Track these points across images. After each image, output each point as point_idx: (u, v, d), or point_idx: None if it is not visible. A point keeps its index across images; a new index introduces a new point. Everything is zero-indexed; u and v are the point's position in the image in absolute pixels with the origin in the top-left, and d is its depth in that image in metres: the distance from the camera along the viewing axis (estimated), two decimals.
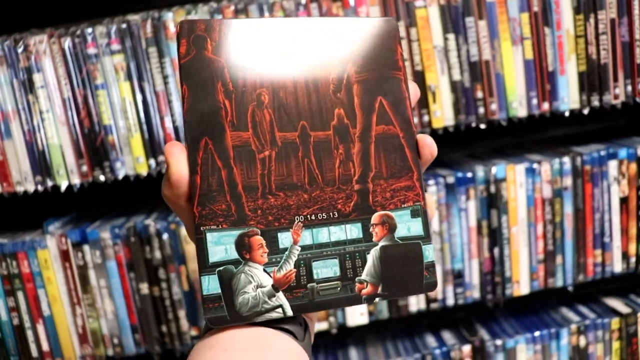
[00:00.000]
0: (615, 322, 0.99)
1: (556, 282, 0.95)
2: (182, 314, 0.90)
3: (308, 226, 0.35)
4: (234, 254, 0.33)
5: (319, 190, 0.35)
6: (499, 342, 0.97)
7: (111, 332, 0.90)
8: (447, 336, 1.02)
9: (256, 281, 0.33)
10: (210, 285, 0.33)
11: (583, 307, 1.06)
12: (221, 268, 0.33)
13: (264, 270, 0.34)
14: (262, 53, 0.35)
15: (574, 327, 0.98)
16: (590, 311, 1.03)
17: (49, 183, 0.84)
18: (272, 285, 0.34)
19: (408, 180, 0.37)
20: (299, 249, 0.35)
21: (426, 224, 0.37)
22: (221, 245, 0.33)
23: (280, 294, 0.34)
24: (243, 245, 0.34)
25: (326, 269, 0.35)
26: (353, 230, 0.36)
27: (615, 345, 1.00)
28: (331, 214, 0.35)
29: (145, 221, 0.88)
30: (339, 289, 0.35)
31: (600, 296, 1.08)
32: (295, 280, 0.34)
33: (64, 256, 0.87)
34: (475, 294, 0.94)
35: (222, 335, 0.33)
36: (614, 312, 1.01)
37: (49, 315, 0.89)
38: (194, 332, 0.90)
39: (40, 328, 0.89)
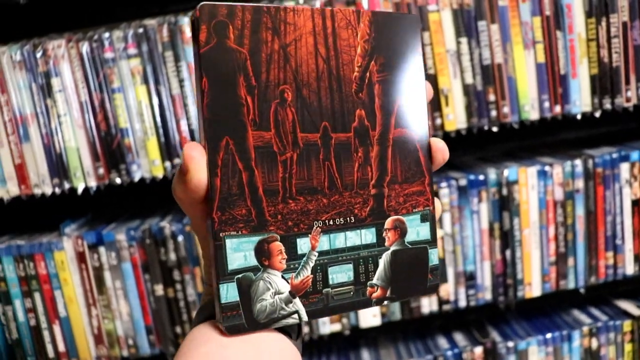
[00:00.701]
0: (627, 325, 0.99)
1: (568, 284, 0.95)
2: None
3: (326, 231, 0.34)
4: (253, 261, 0.32)
5: (337, 194, 0.35)
6: (510, 344, 0.97)
7: (126, 333, 0.91)
8: (459, 338, 1.02)
9: (274, 288, 0.33)
10: (229, 293, 0.32)
11: (595, 309, 1.06)
12: (240, 276, 0.32)
13: (282, 277, 0.33)
14: (286, 45, 0.33)
15: (585, 329, 0.98)
16: (602, 313, 1.03)
17: (66, 185, 0.85)
18: (290, 292, 0.33)
19: (420, 185, 0.37)
20: (317, 254, 0.34)
21: (433, 229, 0.38)
22: (240, 252, 0.32)
23: (297, 300, 0.33)
24: (262, 252, 0.33)
25: (341, 274, 0.35)
26: (368, 235, 0.36)
27: (628, 347, 1.00)
28: (348, 219, 0.35)
29: (161, 223, 0.89)
30: (352, 293, 0.35)
31: (612, 298, 1.08)
32: (312, 285, 0.34)
33: (80, 258, 0.89)
34: (487, 295, 0.94)
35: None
36: (626, 315, 1.01)
37: (65, 316, 0.90)
38: None
39: (57, 329, 0.90)
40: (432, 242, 0.38)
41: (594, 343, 0.99)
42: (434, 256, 0.37)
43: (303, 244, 0.34)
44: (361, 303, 0.35)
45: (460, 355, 0.97)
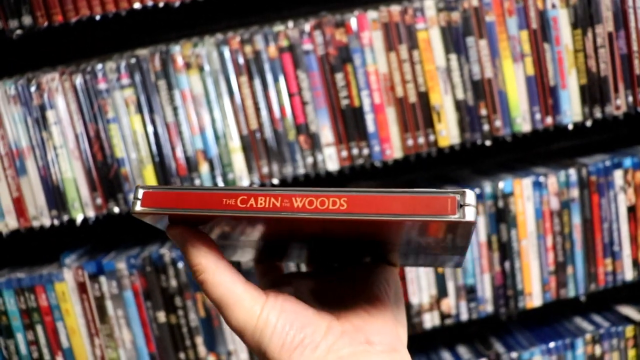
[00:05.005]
0: (629, 330, 0.99)
1: (568, 292, 0.96)
2: (199, 340, 0.90)
3: None
4: None
5: None
6: (514, 354, 0.97)
7: None
8: (462, 351, 1.02)
9: None
10: None
11: (597, 316, 1.06)
12: None
13: None
14: None
15: (588, 336, 0.99)
16: (604, 320, 1.04)
17: (65, 217, 0.86)
18: None
19: None
20: None
21: None
22: None
23: None
24: None
25: None
26: None
27: (631, 353, 1.00)
28: None
29: (160, 250, 0.89)
30: None
31: (613, 304, 1.09)
32: None
33: (81, 288, 0.89)
34: (489, 307, 0.95)
35: None
36: (628, 320, 1.01)
37: (68, 347, 0.90)
38: (211, 359, 0.91)
39: None
40: None
41: (598, 350, 0.99)
42: None
43: None
44: None
45: None
